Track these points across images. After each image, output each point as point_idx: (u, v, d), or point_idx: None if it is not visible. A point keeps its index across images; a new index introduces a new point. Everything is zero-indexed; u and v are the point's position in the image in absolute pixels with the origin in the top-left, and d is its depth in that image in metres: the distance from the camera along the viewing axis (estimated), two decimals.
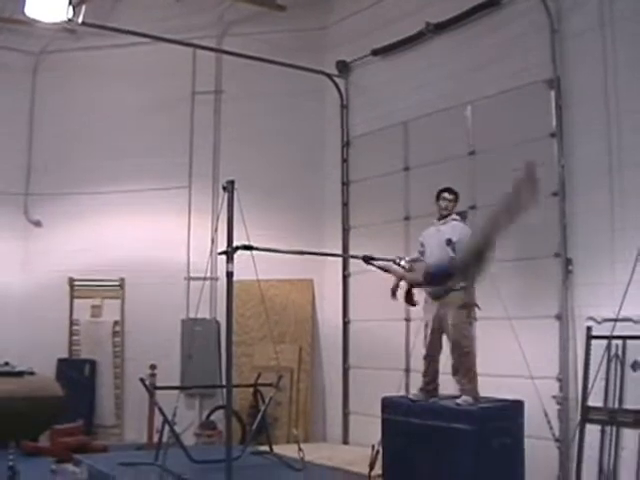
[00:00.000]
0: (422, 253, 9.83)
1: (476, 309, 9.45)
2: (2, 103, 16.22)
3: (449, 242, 9.38)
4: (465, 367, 9.23)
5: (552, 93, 10.98)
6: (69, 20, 12.19)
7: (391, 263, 9.71)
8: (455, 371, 9.29)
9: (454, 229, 9.53)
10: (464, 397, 9.05)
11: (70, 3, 11.83)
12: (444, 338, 9.48)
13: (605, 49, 10.40)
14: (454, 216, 9.76)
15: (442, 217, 9.78)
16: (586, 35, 10.68)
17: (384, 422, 9.72)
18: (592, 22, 10.57)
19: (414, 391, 9.96)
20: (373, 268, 9.99)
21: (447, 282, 9.16)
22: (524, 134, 11.27)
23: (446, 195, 9.79)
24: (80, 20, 12.39)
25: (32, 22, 13.00)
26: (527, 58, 11.44)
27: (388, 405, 9.77)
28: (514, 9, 11.78)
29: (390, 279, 9.61)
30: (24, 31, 15.38)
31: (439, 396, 9.60)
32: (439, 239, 9.54)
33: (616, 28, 10.31)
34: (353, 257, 11.03)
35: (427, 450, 8.98)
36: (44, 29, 14.63)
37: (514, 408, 9.27)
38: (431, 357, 9.61)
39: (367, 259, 10.05)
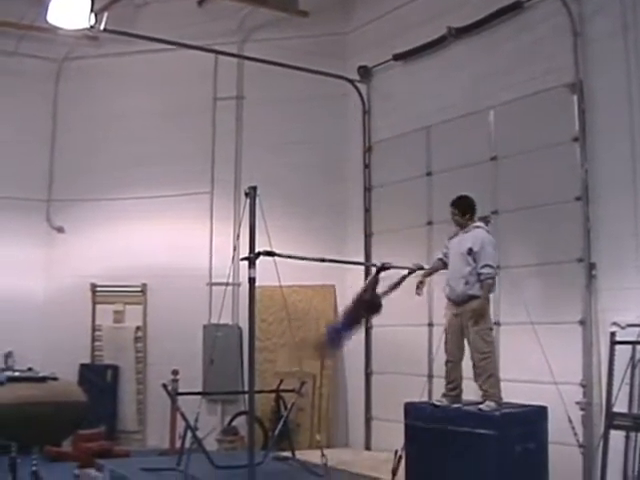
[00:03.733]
0: (445, 255, 9.85)
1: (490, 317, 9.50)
2: (25, 110, 16.34)
3: (470, 251, 9.34)
4: (486, 372, 9.17)
5: (575, 97, 10.91)
6: (91, 27, 12.22)
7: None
8: (477, 376, 9.24)
9: (475, 238, 9.43)
10: (487, 402, 9.00)
11: (92, 10, 11.85)
12: (465, 343, 9.45)
13: (628, 52, 10.33)
14: (477, 223, 9.67)
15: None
16: (609, 38, 10.61)
17: (407, 428, 9.68)
18: (615, 25, 10.49)
19: (437, 397, 9.92)
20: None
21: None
22: (547, 139, 11.22)
23: (451, 209, 9.82)
24: (102, 27, 12.43)
25: (54, 29, 13.04)
26: (549, 62, 11.37)
27: (411, 411, 9.73)
28: (536, 13, 11.71)
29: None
30: (46, 38, 15.45)
31: (462, 402, 9.55)
32: (460, 248, 9.49)
33: (639, 31, 10.25)
34: (372, 265, 11.05)
35: (450, 456, 8.93)
36: (66, 36, 14.68)
37: (537, 413, 9.22)
38: (452, 362, 9.56)
39: (383, 268, 10.20)
